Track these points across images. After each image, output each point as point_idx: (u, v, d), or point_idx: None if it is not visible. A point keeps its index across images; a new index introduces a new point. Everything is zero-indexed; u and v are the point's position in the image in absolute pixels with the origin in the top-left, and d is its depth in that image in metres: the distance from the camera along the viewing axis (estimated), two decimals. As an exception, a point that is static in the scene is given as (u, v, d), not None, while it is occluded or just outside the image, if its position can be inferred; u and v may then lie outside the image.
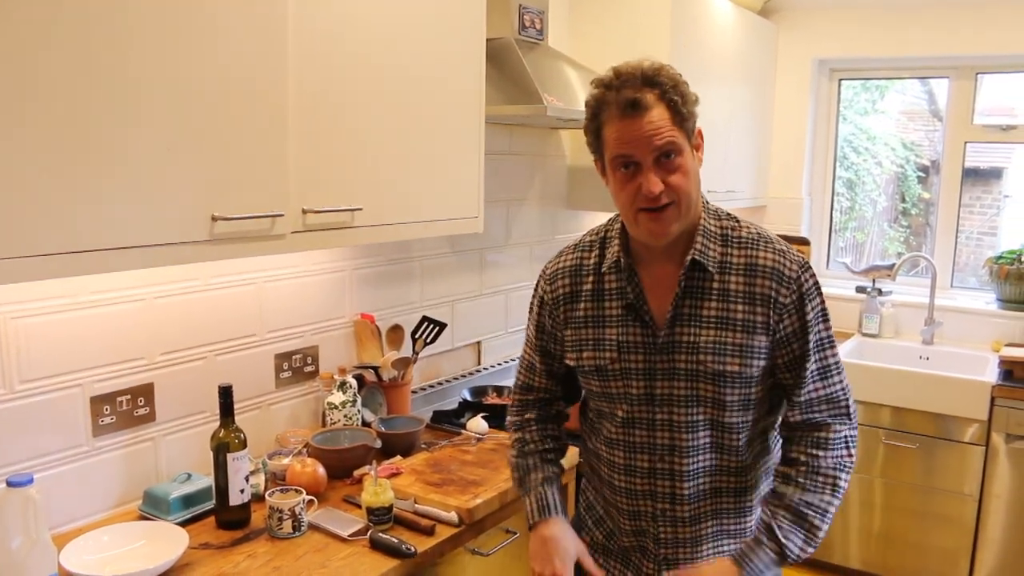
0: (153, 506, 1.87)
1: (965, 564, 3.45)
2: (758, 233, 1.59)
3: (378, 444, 2.18)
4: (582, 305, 1.64)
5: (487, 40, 2.32)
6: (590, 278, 1.64)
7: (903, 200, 4.46)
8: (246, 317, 2.18)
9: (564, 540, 1.64)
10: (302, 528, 1.82)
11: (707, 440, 1.58)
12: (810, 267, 1.58)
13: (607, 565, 1.74)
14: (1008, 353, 3.47)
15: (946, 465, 3.44)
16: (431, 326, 2.61)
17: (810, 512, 1.55)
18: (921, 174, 4.36)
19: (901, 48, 3.95)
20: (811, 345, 1.55)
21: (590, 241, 1.68)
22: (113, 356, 1.88)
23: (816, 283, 1.57)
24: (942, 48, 3.85)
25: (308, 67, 1.78)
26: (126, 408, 1.91)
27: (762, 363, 1.54)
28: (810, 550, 1.55)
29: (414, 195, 2.11)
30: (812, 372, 1.56)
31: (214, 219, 1.61)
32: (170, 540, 1.71)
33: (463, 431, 2.42)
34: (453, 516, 1.90)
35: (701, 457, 1.59)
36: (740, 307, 1.53)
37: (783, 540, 1.53)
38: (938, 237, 4.12)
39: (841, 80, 4.31)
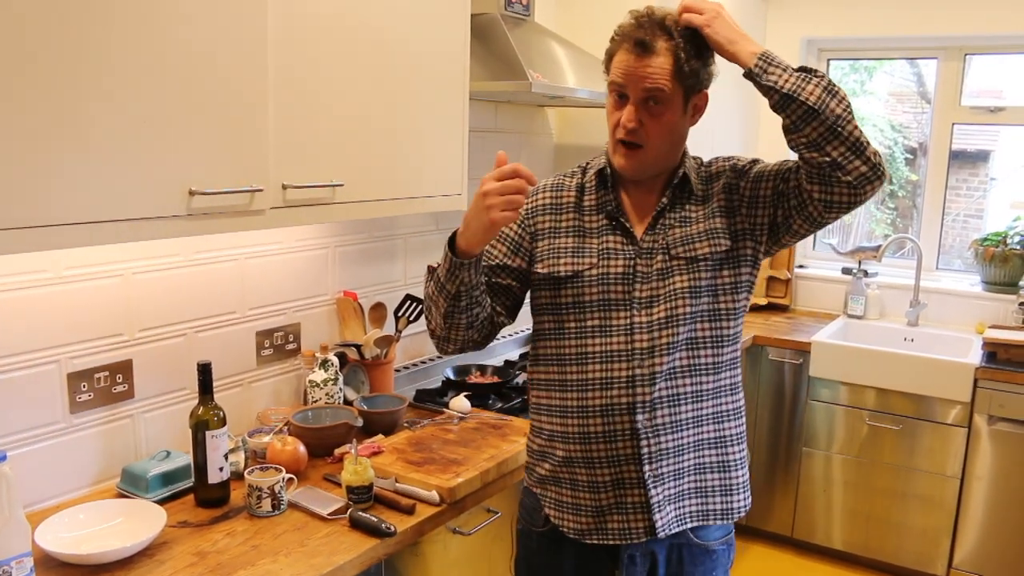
0: (131, 484, 1.85)
1: (946, 545, 3.48)
2: (715, 156, 1.77)
3: (359, 423, 2.17)
4: (563, 216, 1.73)
5: (472, 15, 2.29)
6: (571, 193, 1.75)
7: (890, 182, 4.45)
8: (227, 293, 2.15)
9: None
10: (281, 507, 1.81)
11: (685, 336, 1.63)
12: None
13: (590, 525, 1.67)
14: (992, 335, 3.48)
15: (929, 446, 3.46)
16: (414, 304, 2.59)
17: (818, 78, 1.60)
18: (908, 156, 4.36)
19: (890, 28, 3.93)
20: (754, 162, 1.70)
21: (571, 170, 1.81)
22: (91, 332, 1.86)
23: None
24: (931, 28, 3.84)
25: (289, 40, 1.75)
26: (104, 385, 1.89)
27: (727, 243, 1.65)
28: (791, 86, 1.59)
29: (397, 171, 2.09)
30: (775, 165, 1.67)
31: (191, 193, 1.58)
32: (148, 518, 1.70)
33: (445, 410, 2.41)
34: (434, 495, 1.89)
35: (679, 355, 1.63)
36: (703, 207, 1.69)
37: (767, 50, 1.62)
38: (924, 219, 4.13)
39: (830, 60, 4.29)
